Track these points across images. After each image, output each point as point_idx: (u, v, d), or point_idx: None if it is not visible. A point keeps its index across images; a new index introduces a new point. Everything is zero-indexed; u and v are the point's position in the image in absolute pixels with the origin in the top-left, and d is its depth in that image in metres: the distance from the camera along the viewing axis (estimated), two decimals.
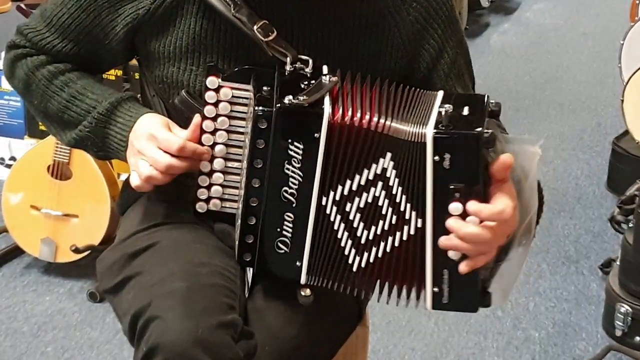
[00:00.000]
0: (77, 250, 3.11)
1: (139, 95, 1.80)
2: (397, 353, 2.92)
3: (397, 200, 1.53)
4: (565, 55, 5.62)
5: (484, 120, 1.49)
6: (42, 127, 3.58)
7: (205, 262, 1.60)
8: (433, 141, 1.47)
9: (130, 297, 1.60)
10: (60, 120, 1.73)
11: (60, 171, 3.13)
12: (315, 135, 1.51)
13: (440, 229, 1.49)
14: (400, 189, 1.52)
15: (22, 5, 3.51)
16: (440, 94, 1.58)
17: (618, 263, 3.06)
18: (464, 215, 1.47)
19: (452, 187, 1.47)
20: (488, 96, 1.55)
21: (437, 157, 1.47)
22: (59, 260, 3.18)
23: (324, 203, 1.54)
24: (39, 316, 3.05)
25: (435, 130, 1.47)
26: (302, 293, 1.58)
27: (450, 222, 1.47)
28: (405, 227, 1.53)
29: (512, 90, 4.99)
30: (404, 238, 1.54)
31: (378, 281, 1.58)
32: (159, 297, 1.51)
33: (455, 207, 1.47)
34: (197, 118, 1.60)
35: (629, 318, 2.90)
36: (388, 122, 1.51)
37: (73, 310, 3.08)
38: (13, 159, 3.77)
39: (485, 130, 1.46)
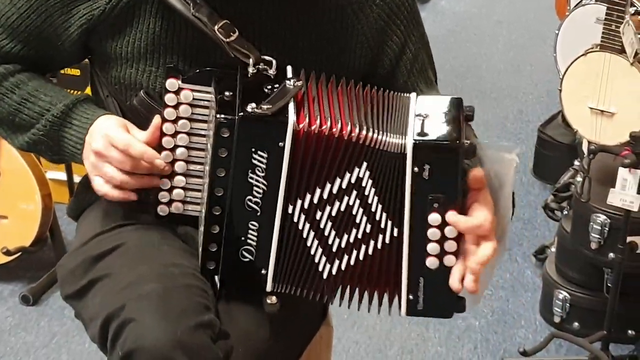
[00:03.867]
0: (7, 253, 3.05)
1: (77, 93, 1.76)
2: (341, 347, 2.93)
3: (373, 209, 1.53)
4: (483, 44, 5.69)
5: (462, 128, 1.49)
6: None
7: (177, 262, 1.59)
8: (412, 152, 1.47)
9: (98, 300, 1.57)
10: (12, 124, 1.69)
11: None
12: (280, 144, 1.49)
13: (418, 238, 1.51)
14: (376, 198, 1.53)
15: None
16: (414, 97, 1.57)
17: (553, 250, 3.13)
18: (442, 225, 1.49)
19: (430, 197, 1.48)
20: (461, 100, 1.56)
21: (416, 168, 1.48)
22: None
23: (290, 211, 1.54)
24: None
25: (414, 141, 1.47)
26: (268, 301, 1.57)
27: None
28: (381, 236, 1.54)
29: None
30: (379, 246, 1.55)
31: (349, 287, 1.59)
32: (133, 299, 1.49)
33: (434, 217, 1.49)
34: (156, 119, 1.58)
35: (567, 304, 2.97)
36: (363, 132, 1.50)
37: (5, 315, 3.02)
38: None
39: (465, 141, 1.47)
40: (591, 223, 2.82)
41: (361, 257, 1.56)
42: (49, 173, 3.30)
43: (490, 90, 5.01)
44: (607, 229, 2.79)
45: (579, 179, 2.89)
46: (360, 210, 1.54)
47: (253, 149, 1.50)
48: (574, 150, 3.61)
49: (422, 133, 1.48)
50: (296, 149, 1.50)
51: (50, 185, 3.15)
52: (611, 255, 2.76)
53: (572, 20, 3.01)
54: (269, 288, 1.57)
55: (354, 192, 1.53)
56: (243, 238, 1.55)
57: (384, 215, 1.53)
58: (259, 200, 1.52)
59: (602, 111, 2.81)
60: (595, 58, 2.78)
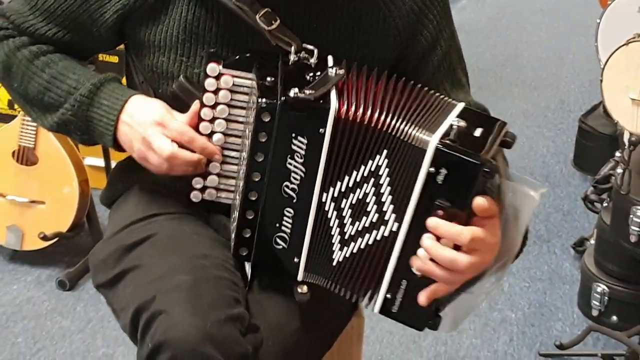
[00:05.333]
0: (45, 238, 3.07)
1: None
2: (374, 337, 2.92)
3: (383, 199, 1.50)
4: (524, 32, 5.64)
5: (493, 148, 1.45)
6: (2, 110, 3.52)
7: (207, 254, 1.58)
8: (434, 152, 1.42)
9: (130, 291, 1.57)
10: (41, 104, 1.69)
11: (25, 156, 3.08)
12: (320, 130, 1.47)
13: (412, 239, 1.46)
14: (388, 189, 1.49)
15: None
16: (461, 105, 1.53)
17: (592, 242, 3.10)
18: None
19: (437, 202, 1.43)
20: (505, 123, 1.51)
21: (432, 169, 1.42)
22: (26, 248, 3.14)
23: (324, 199, 1.52)
24: (6, 306, 3.00)
25: (439, 142, 1.43)
26: (299, 290, 1.56)
27: (427, 243, 1.44)
28: (382, 227, 1.50)
29: (473, 67, 4.96)
30: (378, 238, 1.51)
31: (353, 278, 1.54)
32: (163, 291, 1.48)
33: (432, 222, 1.43)
34: (195, 105, 1.58)
35: (606, 298, 2.94)
36: (396, 122, 1.47)
37: (42, 299, 3.04)
38: None
39: (489, 160, 1.41)
40: (631, 216, 2.79)
41: (362, 246, 1.52)
42: (87, 159, 3.32)
43: (531, 80, 4.97)
44: None
45: (619, 170, 2.85)
46: (373, 199, 1.50)
47: (293, 135, 1.48)
48: (615, 141, 3.56)
49: (450, 137, 1.43)
50: (335, 136, 1.48)
51: (88, 171, 3.17)
52: None
53: (614, 9, 2.96)
54: (300, 277, 1.56)
55: (372, 180, 1.50)
56: (277, 225, 1.53)
57: (391, 207, 1.49)
58: (295, 187, 1.51)
59: None
60: (636, 48, 2.75)
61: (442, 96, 1.57)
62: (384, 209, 1.50)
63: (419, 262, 1.46)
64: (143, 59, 1.68)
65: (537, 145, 4.28)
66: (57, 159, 3.07)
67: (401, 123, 1.48)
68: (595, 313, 2.96)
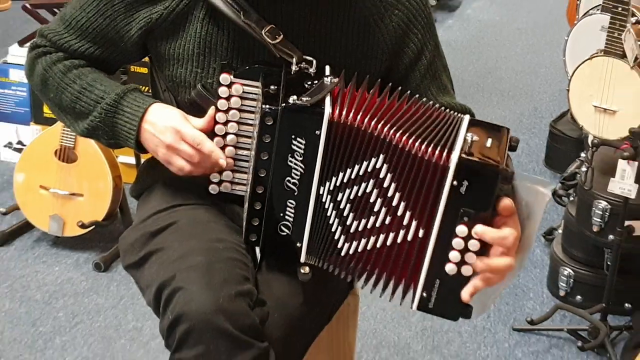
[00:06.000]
0: (83, 226, 3.08)
1: (145, 89, 1.77)
2: (370, 313, 2.92)
3: (394, 204, 1.49)
4: (503, 48, 5.62)
5: (505, 155, 1.45)
6: (47, 115, 3.54)
7: (222, 238, 1.59)
8: (456, 167, 1.42)
9: (154, 271, 1.58)
10: (73, 112, 1.70)
11: (66, 155, 3.09)
12: (316, 132, 1.48)
13: (443, 244, 1.46)
14: (398, 195, 1.49)
15: (27, 5, 3.43)
16: (467, 118, 1.52)
17: (560, 232, 3.10)
18: (467, 237, 1.45)
19: (462, 210, 1.43)
20: (509, 130, 1.52)
21: (455, 182, 1.43)
22: (66, 235, 3.14)
23: (321, 192, 1.52)
24: (49, 285, 3.01)
25: (460, 157, 1.42)
26: (302, 271, 1.57)
27: (479, 264, 1.44)
28: (402, 231, 1.50)
29: (458, 78, 4.91)
30: (399, 240, 1.51)
31: (367, 270, 1.56)
32: (182, 270, 1.50)
33: (461, 229, 1.44)
34: (211, 110, 1.59)
35: (571, 280, 2.95)
36: (395, 131, 1.47)
37: (80, 279, 3.05)
38: (20, 143, 3.72)
39: (505, 169, 1.42)
40: (593, 208, 2.80)
41: (379, 245, 1.52)
42: (120, 157, 3.33)
43: (509, 89, 4.95)
44: (607, 213, 2.78)
45: (583, 169, 2.86)
46: (379, 200, 1.50)
47: (293, 136, 1.49)
48: (581, 143, 3.57)
49: (467, 151, 1.43)
50: (329, 137, 1.49)
51: (121, 167, 3.17)
52: (611, 237, 2.74)
53: (580, 28, 2.96)
54: (302, 259, 1.57)
55: (371, 182, 1.50)
56: (282, 214, 1.54)
57: (408, 213, 1.49)
58: (296, 182, 1.52)
59: (604, 109, 2.77)
60: (599, 62, 2.75)
61: (446, 109, 1.56)
62: (398, 213, 1.49)
63: (478, 280, 1.45)
64: (164, 70, 1.69)
65: None
66: (94, 157, 3.07)
67: (403, 134, 1.47)
68: (562, 293, 2.97)
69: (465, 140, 1.44)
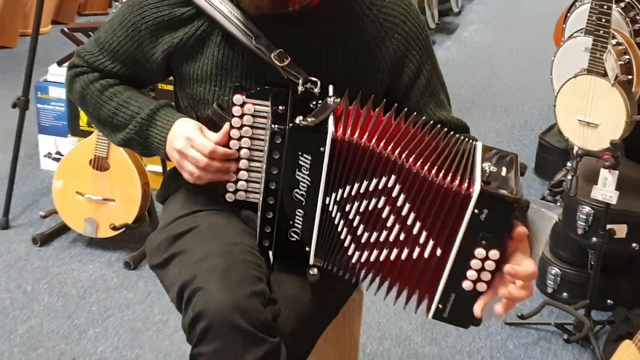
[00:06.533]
0: (114, 228, 3.07)
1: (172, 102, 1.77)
2: (374, 308, 2.90)
3: (409, 222, 1.47)
4: (496, 67, 5.60)
5: (519, 184, 1.43)
6: (82, 128, 3.54)
7: (238, 242, 1.58)
8: (478, 197, 1.40)
9: (176, 271, 1.57)
10: (111, 124, 1.71)
11: (100, 164, 3.08)
12: (321, 149, 1.48)
13: (461, 264, 1.45)
14: (413, 215, 1.46)
15: (65, 29, 3.43)
16: (480, 145, 1.51)
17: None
18: (484, 259, 1.43)
19: (480, 235, 1.42)
20: (517, 155, 1.51)
21: (476, 210, 1.40)
22: (99, 236, 3.13)
23: (327, 202, 1.51)
24: (84, 281, 3.00)
25: (482, 188, 1.40)
26: (311, 272, 1.56)
27: (504, 291, 1.42)
28: (418, 248, 1.48)
29: (455, 95, 4.96)
30: (414, 256, 1.49)
31: (379, 279, 1.55)
32: (202, 271, 1.49)
33: (480, 252, 1.43)
34: (226, 126, 1.58)
35: (558, 278, 2.92)
36: (405, 155, 1.45)
37: (112, 277, 3.04)
38: (58, 153, 3.71)
39: (521, 199, 1.40)
40: (578, 213, 2.77)
41: (392, 258, 1.50)
42: (148, 166, 3.31)
43: (501, 105, 4.93)
44: (591, 218, 2.75)
45: (569, 177, 2.84)
46: (392, 217, 1.48)
47: (299, 152, 1.48)
48: (567, 154, 3.54)
49: (487, 181, 1.41)
50: (333, 153, 1.48)
51: (148, 175, 3.16)
52: (594, 239, 2.72)
53: (566, 49, 2.94)
54: (311, 262, 1.56)
55: (382, 199, 1.48)
56: (291, 222, 1.53)
57: (424, 233, 1.47)
58: (304, 193, 1.51)
59: (588, 123, 2.75)
60: (583, 80, 2.73)
61: (457, 135, 1.53)
62: (414, 232, 1.47)
63: (490, 297, 1.44)
64: (185, 88, 1.68)
65: None
66: (125, 166, 3.07)
67: (417, 159, 1.44)
68: (550, 290, 2.95)
69: (483, 170, 1.42)
